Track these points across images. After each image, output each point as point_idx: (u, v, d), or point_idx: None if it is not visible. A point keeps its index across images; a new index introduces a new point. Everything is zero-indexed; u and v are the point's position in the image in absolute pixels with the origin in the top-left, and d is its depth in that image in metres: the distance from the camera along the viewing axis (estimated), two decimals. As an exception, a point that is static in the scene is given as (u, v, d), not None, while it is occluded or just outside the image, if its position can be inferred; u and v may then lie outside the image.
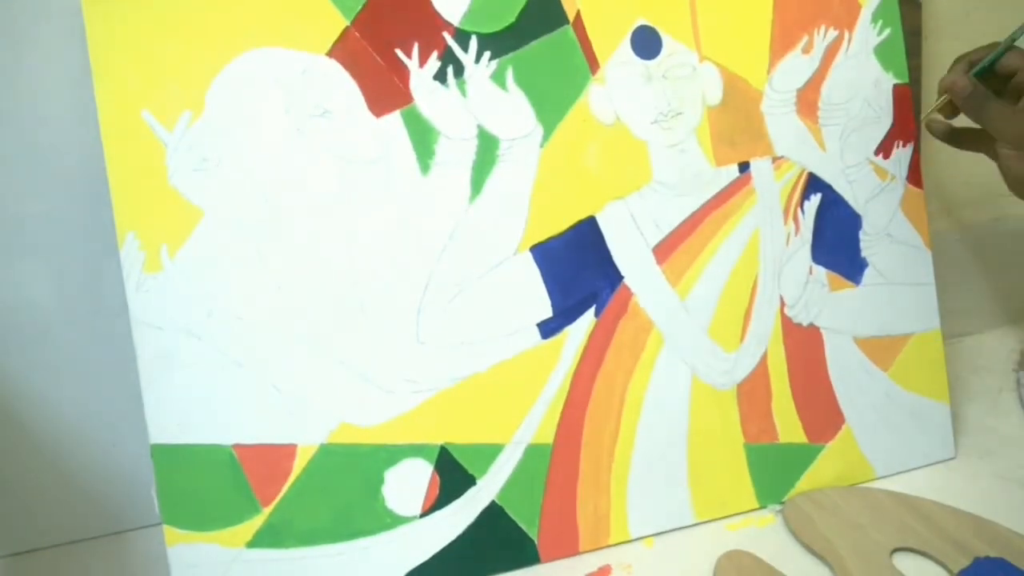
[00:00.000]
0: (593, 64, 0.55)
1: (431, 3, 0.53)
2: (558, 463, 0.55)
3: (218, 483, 0.50)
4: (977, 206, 0.76)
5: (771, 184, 0.59)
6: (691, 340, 0.57)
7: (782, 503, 0.59)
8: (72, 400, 0.59)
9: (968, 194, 0.75)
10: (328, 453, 0.52)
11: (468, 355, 0.54)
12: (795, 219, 0.59)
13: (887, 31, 0.60)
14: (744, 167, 0.58)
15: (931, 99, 0.71)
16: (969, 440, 0.64)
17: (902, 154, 0.61)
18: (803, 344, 0.59)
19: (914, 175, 0.62)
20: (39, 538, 0.61)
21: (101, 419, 0.60)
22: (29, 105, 0.55)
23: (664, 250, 0.57)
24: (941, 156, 0.73)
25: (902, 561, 0.53)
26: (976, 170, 0.74)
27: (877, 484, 0.60)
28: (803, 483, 0.59)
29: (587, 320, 0.55)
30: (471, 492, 0.54)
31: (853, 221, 0.60)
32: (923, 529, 0.55)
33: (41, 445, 0.59)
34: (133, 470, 0.59)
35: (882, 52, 0.60)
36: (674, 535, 0.57)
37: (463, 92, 0.53)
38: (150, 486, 0.50)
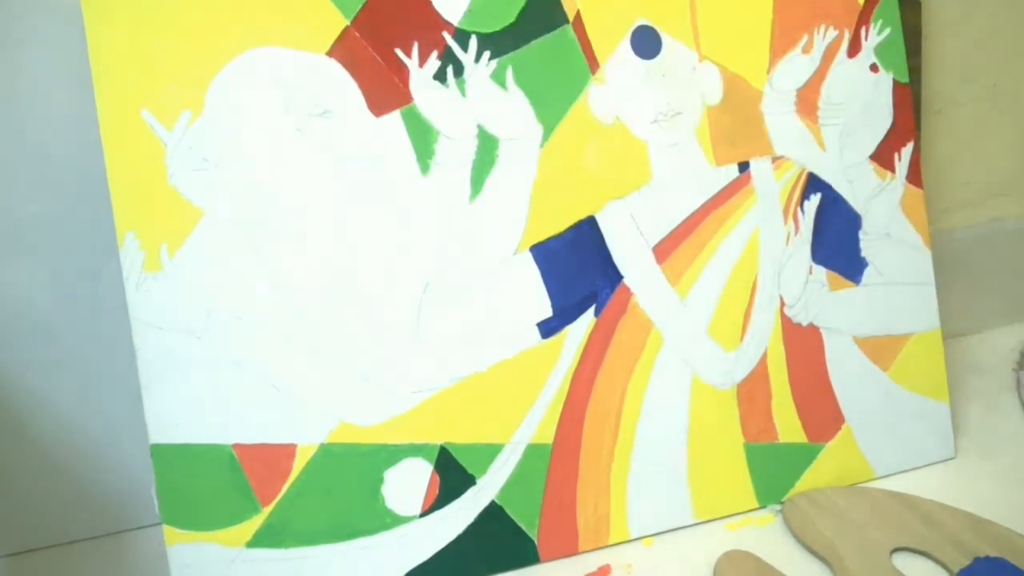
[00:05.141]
0: (593, 64, 0.55)
1: (431, 3, 0.53)
2: (558, 463, 0.55)
3: (218, 483, 0.50)
4: (977, 206, 0.76)
5: (771, 184, 0.58)
6: (691, 340, 0.57)
7: (782, 503, 0.59)
8: (72, 400, 0.59)
9: (968, 194, 0.75)
10: (328, 453, 0.52)
11: (468, 355, 0.54)
12: (795, 219, 0.59)
13: (887, 31, 0.60)
14: (744, 167, 0.58)
15: (931, 99, 0.71)
16: (969, 440, 0.64)
17: (902, 154, 0.61)
18: (803, 344, 0.59)
19: (914, 175, 0.62)
20: (39, 538, 0.61)
21: (101, 419, 0.60)
22: (29, 105, 0.55)
23: (664, 250, 0.57)
24: (941, 156, 0.72)
25: (902, 561, 0.53)
26: (976, 170, 0.74)
27: (877, 484, 0.60)
28: (803, 483, 0.59)
29: (587, 320, 0.55)
30: (471, 492, 0.54)
31: (853, 221, 0.60)
32: (923, 529, 0.55)
33: (41, 445, 0.59)
34: (133, 470, 0.59)
35: (882, 52, 0.60)
36: (674, 535, 0.57)
37: (463, 92, 0.53)
38: (150, 486, 0.50)
